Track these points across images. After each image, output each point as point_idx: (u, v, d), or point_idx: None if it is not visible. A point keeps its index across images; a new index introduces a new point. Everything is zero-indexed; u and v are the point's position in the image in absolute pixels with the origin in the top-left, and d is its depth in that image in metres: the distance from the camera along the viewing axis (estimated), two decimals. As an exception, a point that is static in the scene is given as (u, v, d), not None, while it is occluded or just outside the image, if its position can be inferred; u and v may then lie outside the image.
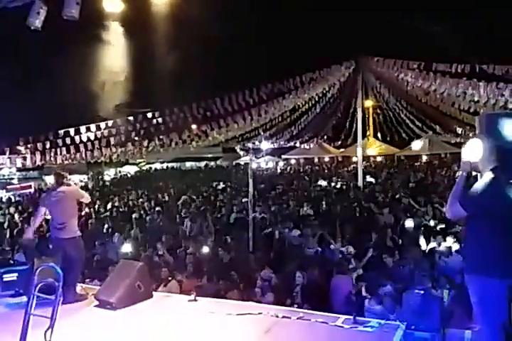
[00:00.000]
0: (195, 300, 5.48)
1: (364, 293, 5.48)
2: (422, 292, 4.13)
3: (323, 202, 12.85)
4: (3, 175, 27.20)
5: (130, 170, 34.85)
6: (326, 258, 7.30)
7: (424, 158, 30.08)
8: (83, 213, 11.95)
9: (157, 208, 14.09)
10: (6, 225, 12.72)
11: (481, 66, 11.61)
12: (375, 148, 30.25)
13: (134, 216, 12.91)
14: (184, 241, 9.18)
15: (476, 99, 12.73)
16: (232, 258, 7.65)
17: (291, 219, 10.66)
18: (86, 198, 6.30)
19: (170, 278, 6.94)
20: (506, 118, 4.07)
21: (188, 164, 41.20)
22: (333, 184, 19.03)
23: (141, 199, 16.76)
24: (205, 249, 8.03)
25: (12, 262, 7.71)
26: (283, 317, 4.77)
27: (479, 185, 3.09)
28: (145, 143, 16.12)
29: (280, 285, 6.31)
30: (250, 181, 9.25)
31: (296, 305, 5.49)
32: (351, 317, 4.56)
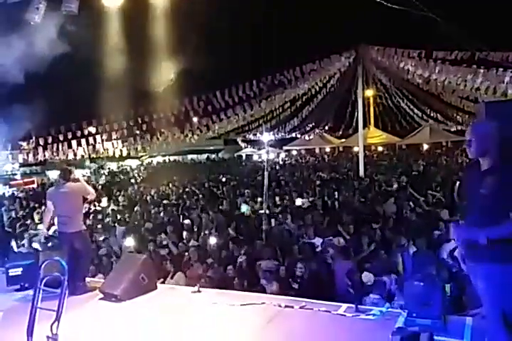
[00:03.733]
0: (199, 291, 5.54)
1: (365, 281, 5.53)
2: (422, 281, 4.16)
3: (325, 193, 12.86)
4: (6, 171, 27.26)
5: (132, 163, 34.89)
6: (324, 248, 7.32)
7: (426, 147, 30.02)
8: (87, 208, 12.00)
9: (164, 201, 14.15)
10: (9, 220, 12.80)
11: (481, 53, 11.56)
12: (376, 137, 30.20)
13: (136, 209, 12.98)
14: (189, 233, 9.21)
15: (476, 86, 12.70)
16: (238, 249, 7.68)
17: (291, 210, 10.68)
18: (92, 194, 6.34)
19: (174, 271, 6.98)
20: (505, 106, 4.08)
21: (190, 157, 41.24)
22: (333, 174, 18.99)
23: (146, 193, 16.81)
24: (212, 241, 8.05)
25: (17, 256, 7.77)
26: (286, 306, 4.83)
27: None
28: (147, 137, 16.18)
29: (281, 275, 6.34)
30: (266, 174, 9.29)
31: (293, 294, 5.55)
32: (353, 305, 4.62)
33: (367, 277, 5.59)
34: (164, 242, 8.64)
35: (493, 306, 3.11)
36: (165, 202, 13.98)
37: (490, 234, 2.99)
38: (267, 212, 9.38)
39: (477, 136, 3.18)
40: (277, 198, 12.71)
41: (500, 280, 3.03)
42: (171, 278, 6.90)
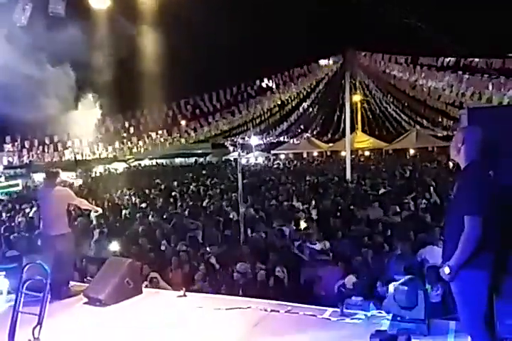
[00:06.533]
0: (185, 295, 5.51)
1: (348, 286, 5.54)
2: (407, 285, 4.19)
3: (311, 197, 12.90)
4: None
5: (119, 166, 34.66)
6: (309, 252, 7.34)
7: (412, 152, 30.30)
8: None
9: (144, 205, 14.05)
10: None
11: (465, 59, 11.74)
12: (364, 142, 30.42)
13: (124, 212, 12.88)
14: (174, 237, 9.15)
15: (461, 91, 12.88)
16: (222, 253, 7.66)
17: (279, 213, 10.69)
18: (79, 202, 6.30)
19: (155, 277, 6.86)
20: (488, 112, 4.14)
21: (178, 160, 41.12)
22: (321, 178, 19.06)
23: (130, 196, 16.69)
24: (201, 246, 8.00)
25: (1, 260, 7.66)
26: (272, 310, 4.82)
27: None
28: (134, 140, 16.13)
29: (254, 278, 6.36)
30: (239, 176, 9.29)
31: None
32: (338, 309, 4.63)
33: (350, 280, 5.61)
34: (148, 246, 8.57)
35: (469, 310, 3.15)
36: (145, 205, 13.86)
37: (451, 264, 3.09)
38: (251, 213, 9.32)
39: (468, 142, 3.21)
40: (266, 202, 12.74)
41: (472, 285, 3.08)
42: (150, 282, 6.71)
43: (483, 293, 3.07)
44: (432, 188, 12.23)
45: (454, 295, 3.23)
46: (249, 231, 9.05)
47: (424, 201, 11.22)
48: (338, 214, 10.38)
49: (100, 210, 7.11)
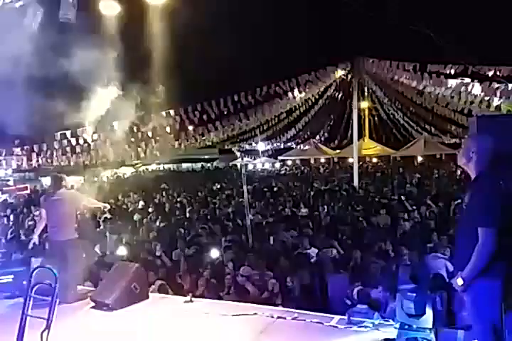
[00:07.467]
0: (191, 301, 5.52)
1: (355, 295, 5.52)
2: (415, 293, 4.16)
3: (319, 203, 12.88)
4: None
5: (126, 171, 34.78)
6: (319, 259, 7.32)
7: (420, 159, 30.19)
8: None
9: (151, 209, 14.06)
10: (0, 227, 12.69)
11: (474, 67, 11.71)
12: (371, 148, 30.35)
13: (135, 218, 12.89)
14: (182, 242, 9.15)
15: (470, 99, 12.83)
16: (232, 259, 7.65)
17: (286, 220, 10.68)
18: (88, 201, 6.33)
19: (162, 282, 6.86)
20: (496, 120, 4.14)
21: (185, 165, 41.21)
22: (329, 185, 19.05)
23: (138, 201, 16.73)
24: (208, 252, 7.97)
25: (8, 263, 7.70)
26: (278, 317, 4.82)
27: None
28: (142, 145, 16.18)
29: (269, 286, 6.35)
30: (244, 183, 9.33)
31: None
32: (345, 317, 4.61)
33: (357, 289, 5.59)
34: (158, 253, 8.57)
35: (481, 320, 3.13)
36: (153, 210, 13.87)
37: (464, 275, 3.08)
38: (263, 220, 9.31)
39: (480, 151, 3.18)
40: (271, 208, 12.73)
41: (485, 295, 3.06)
42: (158, 290, 6.70)
43: (495, 303, 3.05)
44: (437, 196, 12.20)
45: (466, 305, 3.22)
46: (256, 237, 9.03)
47: (431, 209, 11.16)
48: (346, 221, 10.36)
49: (108, 206, 7.20)
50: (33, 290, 3.87)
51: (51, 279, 3.85)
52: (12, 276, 6.00)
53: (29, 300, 3.84)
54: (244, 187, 9.39)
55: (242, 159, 11.01)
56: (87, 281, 6.94)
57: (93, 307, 5.48)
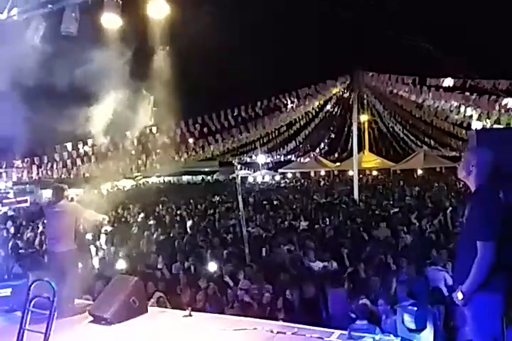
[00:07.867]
0: (190, 315, 5.46)
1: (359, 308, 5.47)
2: (415, 308, 4.14)
3: (319, 217, 12.85)
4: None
5: (126, 184, 34.74)
6: (319, 272, 7.28)
7: (420, 172, 30.20)
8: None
9: (152, 222, 14.02)
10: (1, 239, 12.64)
11: (472, 80, 11.79)
12: (371, 161, 30.38)
13: (133, 230, 12.84)
14: (181, 255, 9.11)
15: (469, 113, 12.89)
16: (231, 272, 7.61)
17: (286, 233, 10.64)
18: (88, 214, 6.30)
19: (161, 296, 6.81)
20: (496, 133, 4.16)
21: (185, 178, 41.19)
22: (329, 198, 19.02)
23: (138, 213, 16.69)
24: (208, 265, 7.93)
25: (7, 277, 7.66)
26: (278, 332, 4.76)
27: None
28: (143, 158, 16.22)
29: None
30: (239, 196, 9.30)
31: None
32: (346, 332, 4.56)
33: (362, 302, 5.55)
34: (159, 265, 8.53)
35: (482, 335, 3.10)
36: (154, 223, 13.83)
37: (464, 289, 3.06)
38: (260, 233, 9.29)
39: (480, 164, 3.18)
40: (271, 220, 12.70)
41: (486, 309, 3.04)
42: (157, 302, 6.67)
43: (496, 318, 3.02)
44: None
45: (467, 319, 3.19)
46: (256, 250, 8.99)
47: (432, 222, 11.13)
48: (346, 234, 10.32)
49: (107, 218, 7.18)
50: (31, 304, 3.84)
51: (49, 292, 3.83)
52: (10, 289, 5.95)
53: (27, 314, 3.81)
54: (239, 198, 9.34)
55: (239, 170, 10.96)
56: (86, 294, 6.92)
57: (91, 322, 5.42)
